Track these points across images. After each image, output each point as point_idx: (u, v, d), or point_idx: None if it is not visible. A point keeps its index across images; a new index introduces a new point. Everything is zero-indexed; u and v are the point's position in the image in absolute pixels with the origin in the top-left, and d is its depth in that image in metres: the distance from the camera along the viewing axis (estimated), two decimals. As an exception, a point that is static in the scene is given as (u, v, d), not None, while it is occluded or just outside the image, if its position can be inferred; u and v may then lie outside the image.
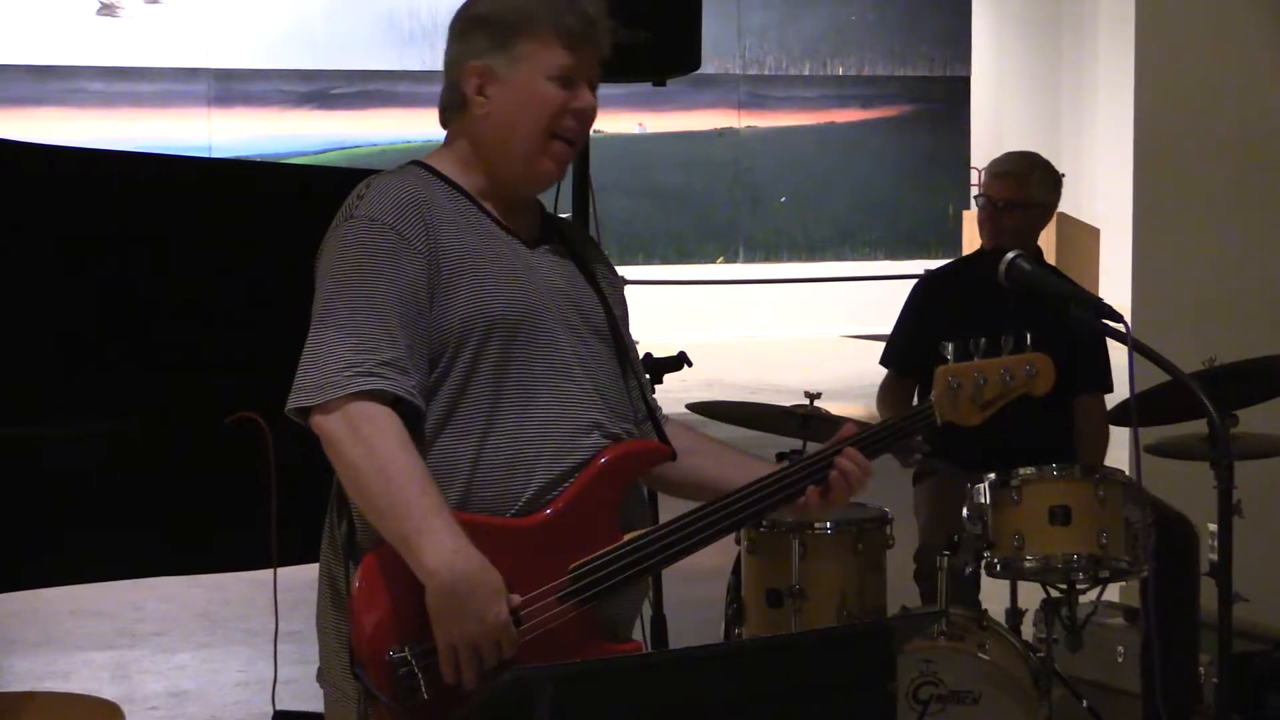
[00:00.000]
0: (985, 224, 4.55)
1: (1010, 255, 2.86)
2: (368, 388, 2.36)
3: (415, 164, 2.60)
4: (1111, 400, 4.17)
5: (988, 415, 2.62)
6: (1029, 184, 4.56)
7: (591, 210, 4.20)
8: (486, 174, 2.57)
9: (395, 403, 2.40)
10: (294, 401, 2.40)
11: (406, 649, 2.32)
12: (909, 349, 4.60)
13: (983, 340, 2.59)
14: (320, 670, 2.56)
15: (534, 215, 2.65)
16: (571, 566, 2.42)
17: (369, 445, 2.34)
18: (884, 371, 4.67)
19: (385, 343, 2.39)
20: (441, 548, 2.30)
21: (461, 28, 2.59)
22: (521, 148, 2.54)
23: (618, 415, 2.57)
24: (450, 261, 2.46)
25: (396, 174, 2.56)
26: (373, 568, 2.37)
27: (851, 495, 2.57)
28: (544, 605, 2.39)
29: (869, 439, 2.59)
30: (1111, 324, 2.74)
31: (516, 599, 2.36)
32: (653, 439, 2.63)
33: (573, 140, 2.57)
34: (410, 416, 2.41)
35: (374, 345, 2.38)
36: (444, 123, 2.63)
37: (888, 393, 4.64)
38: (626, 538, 2.47)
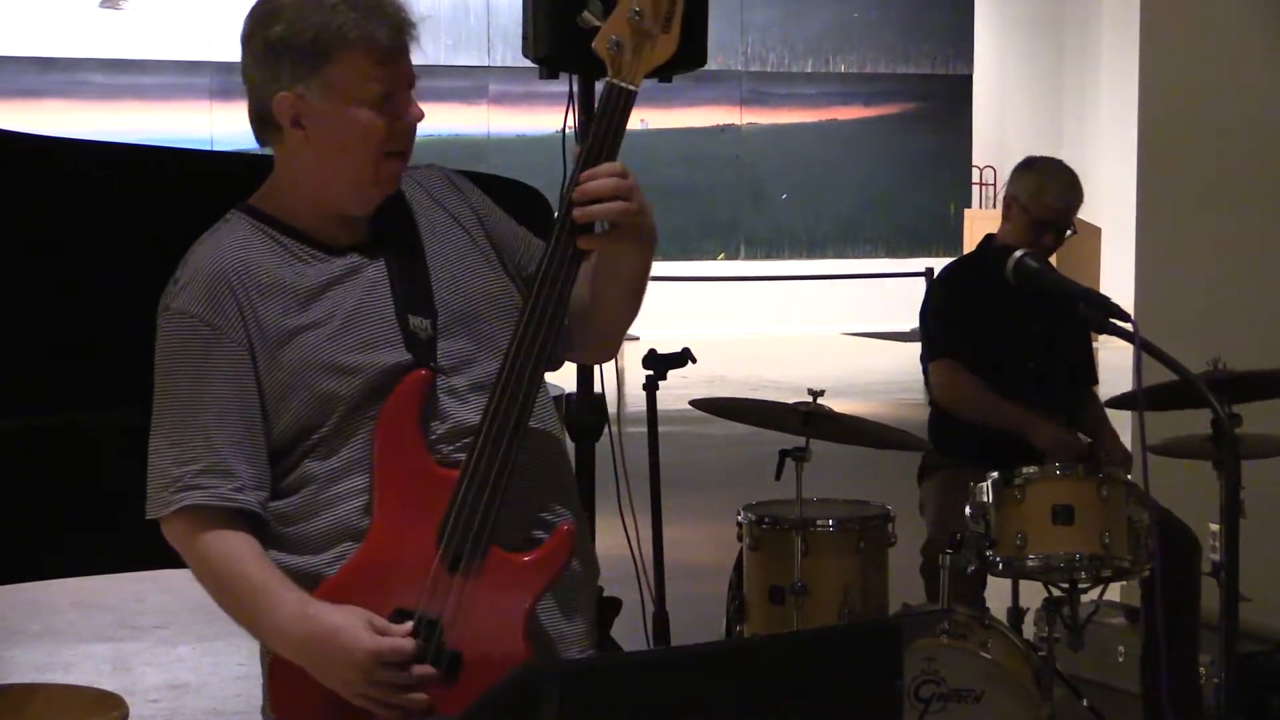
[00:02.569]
0: (1034, 244, 4.29)
1: (1017, 254, 2.86)
2: (186, 504, 2.33)
3: (242, 209, 2.44)
4: (1111, 397, 4.18)
5: (669, 35, 2.30)
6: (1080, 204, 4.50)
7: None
8: (314, 201, 2.40)
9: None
10: (148, 512, 2.39)
11: None
12: (955, 335, 4.45)
13: None
14: (263, 710, 2.48)
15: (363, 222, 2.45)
16: (438, 534, 2.28)
17: (199, 550, 2.36)
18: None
19: (202, 450, 2.33)
20: (286, 607, 2.29)
21: (262, 49, 2.34)
22: (348, 179, 2.37)
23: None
24: (273, 338, 2.34)
25: (213, 240, 2.40)
26: (279, 691, 2.37)
27: (621, 210, 2.29)
28: (444, 589, 2.27)
29: (591, 153, 2.31)
30: (1120, 323, 2.74)
31: (382, 622, 2.25)
32: (405, 377, 2.35)
33: (403, 152, 2.40)
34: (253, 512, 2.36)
35: (192, 454, 2.33)
36: (260, 141, 2.43)
37: (950, 378, 4.42)
38: (462, 469, 2.30)
